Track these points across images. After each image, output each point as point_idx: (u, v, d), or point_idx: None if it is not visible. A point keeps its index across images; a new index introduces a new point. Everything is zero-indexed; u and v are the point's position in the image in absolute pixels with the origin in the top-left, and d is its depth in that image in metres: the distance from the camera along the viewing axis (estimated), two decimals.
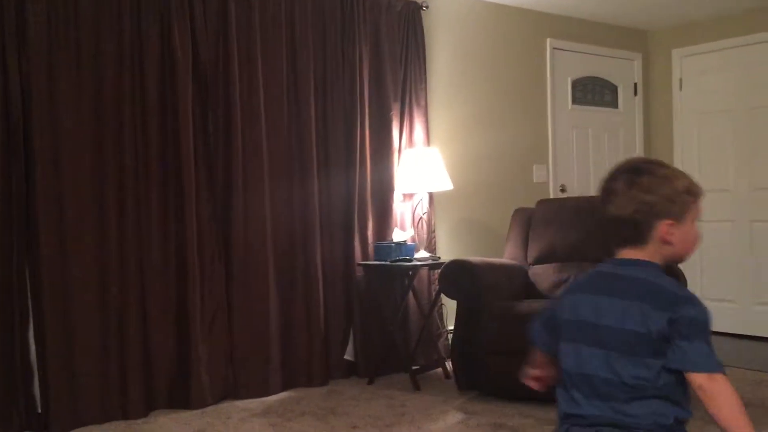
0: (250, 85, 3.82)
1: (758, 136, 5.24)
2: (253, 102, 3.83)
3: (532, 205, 4.46)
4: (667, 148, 5.75)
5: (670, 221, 1.48)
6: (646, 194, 1.48)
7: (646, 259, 1.51)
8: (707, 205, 6.15)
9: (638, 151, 5.77)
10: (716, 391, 1.38)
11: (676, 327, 1.41)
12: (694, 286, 5.42)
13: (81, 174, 3.37)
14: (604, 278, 1.55)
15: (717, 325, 6.44)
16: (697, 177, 6.25)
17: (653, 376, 1.43)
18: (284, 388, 3.88)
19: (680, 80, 5.66)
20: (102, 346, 3.39)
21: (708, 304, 5.84)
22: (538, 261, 4.22)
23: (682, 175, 1.53)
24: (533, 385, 1.70)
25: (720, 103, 5.44)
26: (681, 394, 1.46)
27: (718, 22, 5.39)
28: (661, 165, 1.54)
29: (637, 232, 1.50)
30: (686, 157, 5.63)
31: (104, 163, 3.43)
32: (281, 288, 3.93)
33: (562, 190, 5.31)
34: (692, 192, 1.52)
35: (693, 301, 1.46)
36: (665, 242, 1.49)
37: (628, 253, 1.52)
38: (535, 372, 1.69)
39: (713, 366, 1.40)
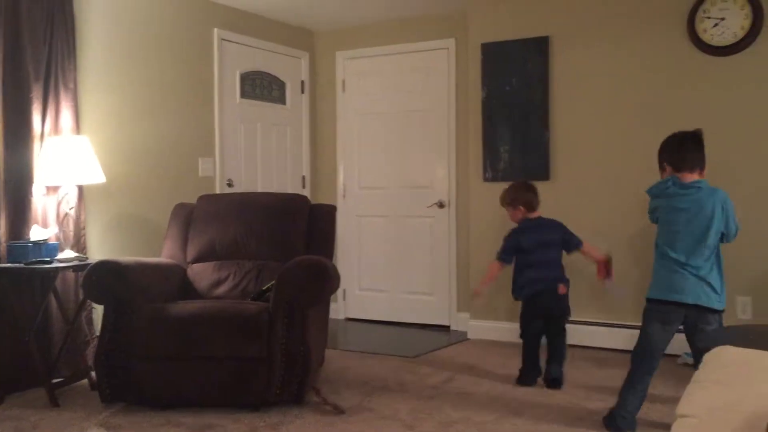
0: None
1: (407, 139, 5.72)
2: None
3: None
4: (331, 146, 6.00)
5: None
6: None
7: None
8: (365, 201, 6.77)
9: (305, 148, 5.94)
10: None
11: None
12: (351, 277, 5.75)
13: None
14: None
15: (370, 313, 6.86)
16: (356, 175, 6.61)
17: None
18: None
19: (343, 81, 5.95)
20: None
21: (363, 294, 6.32)
22: (198, 259, 4.07)
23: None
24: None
25: (376, 105, 5.83)
26: None
27: (377, 29, 5.77)
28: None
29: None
30: (348, 155, 5.94)
31: None
32: None
33: (229, 185, 5.23)
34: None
35: None
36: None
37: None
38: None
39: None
